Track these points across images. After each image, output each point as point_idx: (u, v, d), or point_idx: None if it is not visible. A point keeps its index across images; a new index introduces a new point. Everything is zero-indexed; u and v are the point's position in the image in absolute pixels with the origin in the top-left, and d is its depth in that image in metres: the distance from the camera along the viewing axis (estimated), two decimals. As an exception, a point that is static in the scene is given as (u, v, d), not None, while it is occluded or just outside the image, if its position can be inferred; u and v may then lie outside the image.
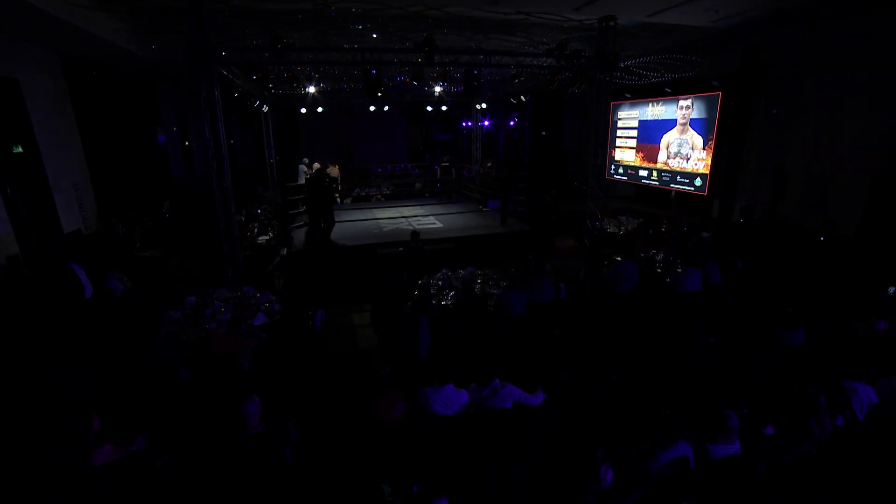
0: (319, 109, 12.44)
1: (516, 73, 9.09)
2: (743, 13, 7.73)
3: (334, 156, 16.27)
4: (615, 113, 12.80)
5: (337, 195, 14.07)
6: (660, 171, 11.56)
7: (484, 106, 14.36)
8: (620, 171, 13.09)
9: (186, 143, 14.83)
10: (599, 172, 9.34)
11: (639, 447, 3.02)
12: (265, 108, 11.72)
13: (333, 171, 13.61)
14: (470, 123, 17.11)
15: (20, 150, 7.36)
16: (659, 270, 7.32)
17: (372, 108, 12.94)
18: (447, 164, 14.95)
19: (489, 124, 19.76)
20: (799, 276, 7.02)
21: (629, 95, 12.36)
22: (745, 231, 9.05)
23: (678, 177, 10.99)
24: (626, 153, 12.79)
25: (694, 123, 10.43)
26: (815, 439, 3.17)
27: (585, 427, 3.41)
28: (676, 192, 11.21)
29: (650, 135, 11.78)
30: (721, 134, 9.84)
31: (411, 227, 9.83)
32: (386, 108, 13.63)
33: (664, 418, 2.98)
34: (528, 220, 10.99)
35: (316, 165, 11.52)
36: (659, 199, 12.19)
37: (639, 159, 12.27)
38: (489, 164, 16.13)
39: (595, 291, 6.88)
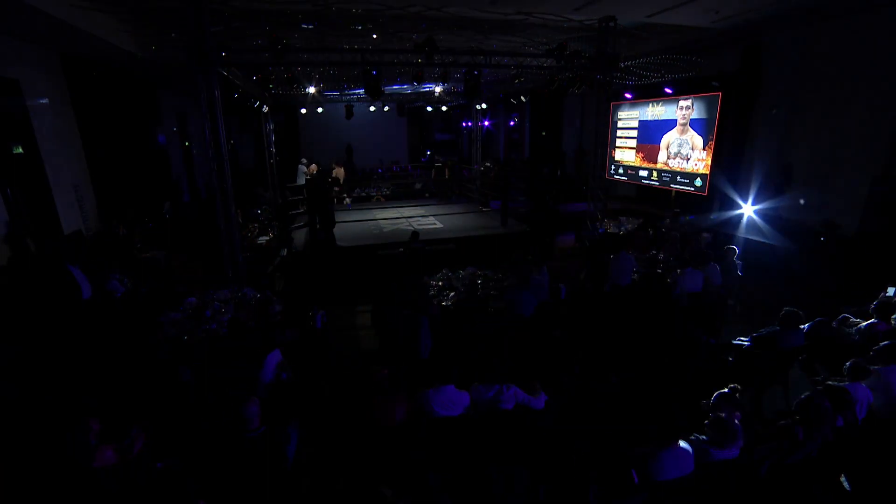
0: (319, 110, 12.44)
1: (516, 73, 9.09)
2: (743, 13, 7.73)
3: (333, 156, 16.26)
4: (615, 113, 12.80)
5: (346, 196, 14.07)
6: (660, 172, 11.55)
7: (484, 106, 14.36)
8: (620, 171, 13.08)
9: (186, 144, 14.83)
10: (599, 173, 9.34)
11: (640, 448, 3.02)
12: (265, 109, 11.72)
13: (338, 172, 13.60)
14: (470, 123, 17.10)
15: (20, 150, 7.35)
16: (659, 271, 7.31)
17: (372, 109, 12.96)
18: (440, 164, 14.94)
19: (489, 124, 19.75)
20: (798, 277, 7.03)
21: (629, 96, 12.35)
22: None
23: (678, 177, 10.98)
24: (626, 153, 12.78)
25: (694, 124, 10.42)
26: (818, 441, 3.18)
27: (587, 428, 3.41)
28: (676, 192, 11.20)
29: (650, 135, 11.77)
30: (721, 134, 9.84)
31: (411, 228, 9.83)
32: (386, 108, 13.63)
33: (665, 419, 2.98)
34: (527, 221, 10.99)
35: (313, 167, 11.50)
36: (659, 199, 12.18)
37: (639, 159, 12.26)
38: (487, 165, 16.14)
39: (595, 290, 6.89)
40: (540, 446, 3.32)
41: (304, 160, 13.28)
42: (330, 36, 8.49)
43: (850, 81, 7.96)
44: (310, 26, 7.44)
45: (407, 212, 12.53)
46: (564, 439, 3.29)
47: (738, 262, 6.90)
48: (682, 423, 3.01)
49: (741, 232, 9.29)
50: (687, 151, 10.69)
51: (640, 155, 12.20)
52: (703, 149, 10.20)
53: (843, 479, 3.22)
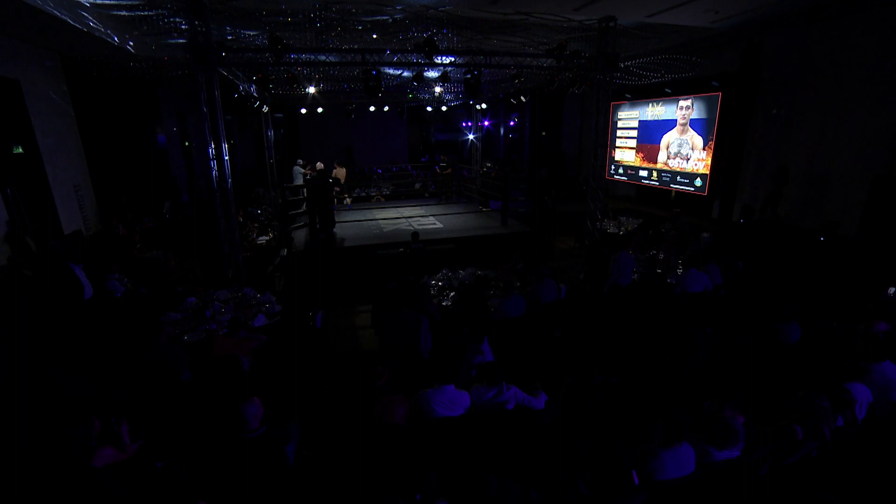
0: (319, 110, 12.44)
1: (516, 73, 9.09)
2: (743, 13, 7.73)
3: (333, 156, 16.25)
4: (615, 113, 12.81)
5: (346, 196, 14.06)
6: (660, 172, 11.56)
7: (484, 106, 14.36)
8: (620, 171, 13.09)
9: (186, 144, 14.83)
10: (599, 173, 9.35)
11: (641, 448, 3.02)
12: (265, 109, 11.72)
13: (340, 172, 13.60)
14: (470, 123, 17.10)
15: (20, 150, 7.35)
16: (659, 271, 7.31)
17: (372, 109, 12.96)
18: (444, 164, 14.95)
19: (489, 124, 19.75)
20: (798, 277, 7.03)
21: (629, 96, 12.36)
22: (744, 231, 9.04)
23: (678, 177, 11.00)
24: (626, 153, 12.80)
25: (694, 124, 10.43)
26: (818, 441, 3.18)
27: (588, 428, 3.40)
28: (676, 192, 11.21)
29: (650, 135, 11.79)
30: (721, 134, 9.85)
31: (411, 228, 9.83)
32: (386, 108, 13.63)
33: (671, 418, 2.98)
34: (527, 221, 11.00)
35: (319, 165, 11.50)
36: (659, 199, 12.19)
37: (639, 160, 12.27)
38: (488, 165, 16.14)
39: (594, 290, 6.89)
40: (539, 447, 3.31)
41: (301, 161, 13.28)
42: (330, 36, 8.49)
43: (850, 81, 7.96)
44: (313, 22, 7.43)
45: (407, 212, 12.53)
46: (564, 439, 3.28)
47: (738, 261, 6.91)
48: (687, 422, 3.01)
49: (741, 232, 9.28)
50: (687, 151, 10.70)
51: (640, 155, 12.21)
52: (703, 149, 10.21)
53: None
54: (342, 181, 13.75)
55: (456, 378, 3.72)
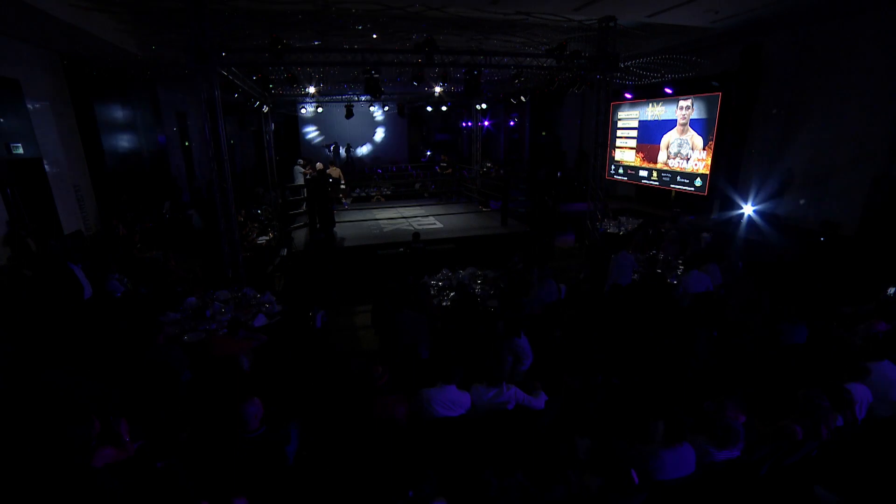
0: (319, 109, 12.45)
1: (516, 73, 9.09)
2: (743, 13, 7.73)
3: (330, 157, 16.26)
4: (615, 113, 12.80)
5: (343, 196, 14.08)
6: (660, 172, 11.55)
7: (484, 106, 14.36)
8: (620, 171, 13.09)
9: (186, 144, 14.83)
10: (599, 173, 9.35)
11: (641, 447, 3.02)
12: (265, 109, 11.73)
13: (334, 172, 13.60)
14: (470, 123, 17.11)
15: (20, 150, 7.35)
16: (659, 271, 7.31)
17: (372, 109, 12.97)
18: (445, 164, 14.94)
19: (489, 124, 19.76)
20: (798, 277, 7.03)
21: (629, 96, 12.36)
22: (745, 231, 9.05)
23: (678, 177, 10.99)
24: (626, 153, 12.79)
25: (694, 124, 10.43)
26: (818, 441, 3.18)
27: (588, 428, 3.40)
28: (676, 192, 11.21)
29: (650, 135, 11.78)
30: (721, 134, 9.84)
31: (411, 228, 9.84)
32: (386, 108, 13.64)
33: (672, 417, 2.98)
34: (527, 221, 11.00)
35: (319, 165, 11.51)
36: (659, 199, 12.18)
37: (639, 160, 12.27)
38: (488, 165, 16.14)
39: (593, 290, 6.89)
40: (539, 447, 3.31)
41: (301, 161, 13.28)
42: (330, 36, 8.49)
43: (849, 81, 7.96)
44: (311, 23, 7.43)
45: (407, 212, 12.53)
46: (564, 439, 3.28)
47: (738, 262, 6.91)
48: (688, 422, 3.01)
49: (741, 232, 9.30)
50: (687, 151, 10.69)
51: (640, 155, 12.20)
52: (703, 149, 10.20)
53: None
54: (342, 181, 13.76)
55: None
